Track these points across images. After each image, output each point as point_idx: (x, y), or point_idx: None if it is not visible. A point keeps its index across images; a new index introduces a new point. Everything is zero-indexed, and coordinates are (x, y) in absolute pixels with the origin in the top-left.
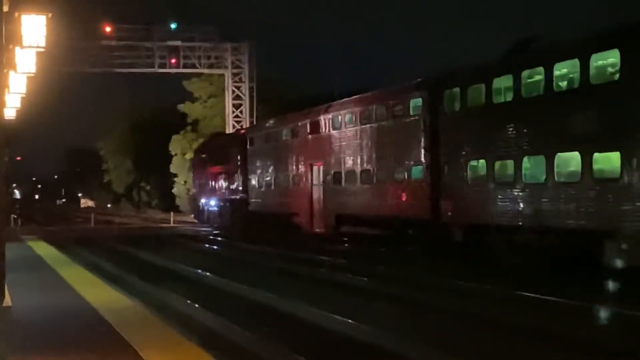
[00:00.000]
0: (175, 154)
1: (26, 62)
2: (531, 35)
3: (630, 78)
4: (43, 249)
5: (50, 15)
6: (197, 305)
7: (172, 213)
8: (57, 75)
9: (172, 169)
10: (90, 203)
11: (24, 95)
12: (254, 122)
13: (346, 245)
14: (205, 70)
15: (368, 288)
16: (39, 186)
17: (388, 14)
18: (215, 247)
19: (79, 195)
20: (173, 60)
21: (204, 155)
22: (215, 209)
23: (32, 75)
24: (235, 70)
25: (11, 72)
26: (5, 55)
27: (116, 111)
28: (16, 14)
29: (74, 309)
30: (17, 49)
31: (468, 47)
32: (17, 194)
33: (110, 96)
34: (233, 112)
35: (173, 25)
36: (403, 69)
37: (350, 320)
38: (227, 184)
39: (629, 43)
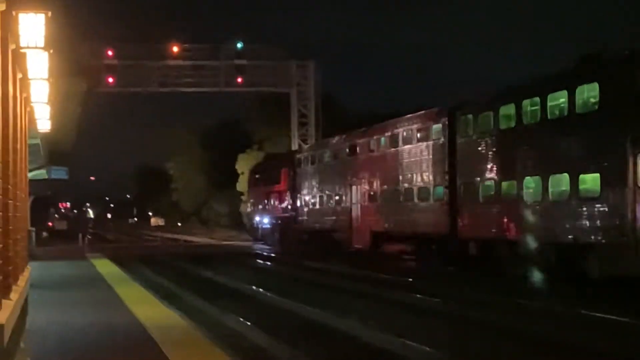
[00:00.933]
0: (242, 173)
1: (37, 65)
2: (596, 50)
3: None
4: (105, 267)
5: (49, 13)
6: (249, 323)
7: (237, 231)
8: (128, 95)
9: (239, 187)
10: (161, 222)
11: (45, 103)
12: (319, 139)
13: (410, 262)
14: (271, 89)
15: (437, 309)
16: (112, 205)
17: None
18: (274, 264)
19: (150, 214)
20: (239, 79)
21: (257, 176)
22: (268, 226)
23: (45, 80)
24: (300, 89)
25: (31, 82)
26: (16, 60)
27: (184, 130)
28: (13, 13)
29: (122, 327)
30: (28, 52)
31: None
32: (91, 213)
33: (178, 114)
34: (299, 130)
35: (239, 45)
36: (469, 84)
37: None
38: (277, 202)
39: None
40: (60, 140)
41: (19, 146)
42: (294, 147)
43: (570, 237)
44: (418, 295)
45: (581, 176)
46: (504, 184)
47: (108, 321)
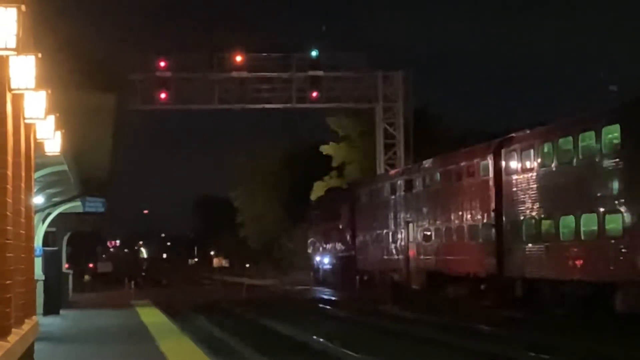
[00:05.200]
0: None
1: (34, 107)
2: None
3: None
4: (152, 316)
5: (39, 55)
6: None
7: (312, 273)
8: (184, 113)
9: None
10: (225, 262)
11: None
12: (410, 164)
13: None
14: (351, 105)
15: None
16: (168, 244)
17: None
18: (350, 313)
19: (212, 253)
20: (314, 94)
21: (317, 212)
22: (329, 267)
23: (42, 119)
24: (387, 104)
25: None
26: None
27: (250, 153)
28: (4, 55)
29: None
30: (26, 94)
31: None
32: (144, 252)
33: (243, 136)
34: (385, 153)
35: (314, 53)
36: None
37: None
38: (337, 241)
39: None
40: (93, 167)
41: (9, 159)
42: (379, 172)
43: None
44: (531, 353)
45: (607, 216)
46: (545, 223)
47: None
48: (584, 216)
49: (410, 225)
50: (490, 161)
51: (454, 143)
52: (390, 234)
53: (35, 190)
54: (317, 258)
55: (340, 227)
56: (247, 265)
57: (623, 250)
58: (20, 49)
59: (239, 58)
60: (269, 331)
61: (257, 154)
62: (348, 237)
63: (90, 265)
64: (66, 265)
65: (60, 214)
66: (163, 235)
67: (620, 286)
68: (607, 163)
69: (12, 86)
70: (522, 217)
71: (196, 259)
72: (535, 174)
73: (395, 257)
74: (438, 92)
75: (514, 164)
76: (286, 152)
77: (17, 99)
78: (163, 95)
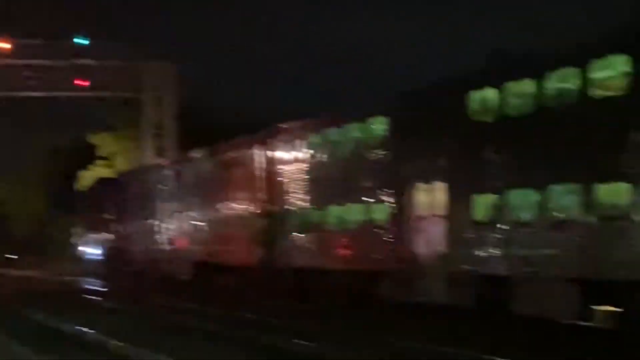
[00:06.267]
0: None
1: None
2: None
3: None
4: None
5: None
6: None
7: (80, 264)
8: None
9: None
10: None
11: None
12: (179, 155)
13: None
14: (119, 94)
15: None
16: None
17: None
18: (118, 303)
19: None
20: (83, 82)
21: (86, 202)
22: (98, 257)
23: None
24: (154, 94)
25: None
26: None
27: (16, 143)
28: None
29: None
30: None
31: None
32: None
33: (7, 125)
34: (153, 143)
35: (78, 40)
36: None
37: None
38: (106, 231)
39: None
40: None
41: None
42: (148, 162)
43: None
44: (299, 341)
45: (373, 206)
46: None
47: None
48: (350, 206)
49: (179, 215)
50: (258, 152)
51: (227, 134)
52: (160, 224)
53: None
54: (86, 248)
55: (109, 217)
56: (14, 257)
57: (387, 239)
58: None
59: (7, 45)
60: (31, 321)
61: (19, 145)
62: (117, 228)
63: None
64: None
65: None
66: None
67: (385, 275)
68: (374, 154)
69: None
70: (291, 207)
71: None
72: (303, 164)
73: (164, 247)
74: (212, 84)
75: (283, 155)
76: (50, 143)
77: None
78: None
